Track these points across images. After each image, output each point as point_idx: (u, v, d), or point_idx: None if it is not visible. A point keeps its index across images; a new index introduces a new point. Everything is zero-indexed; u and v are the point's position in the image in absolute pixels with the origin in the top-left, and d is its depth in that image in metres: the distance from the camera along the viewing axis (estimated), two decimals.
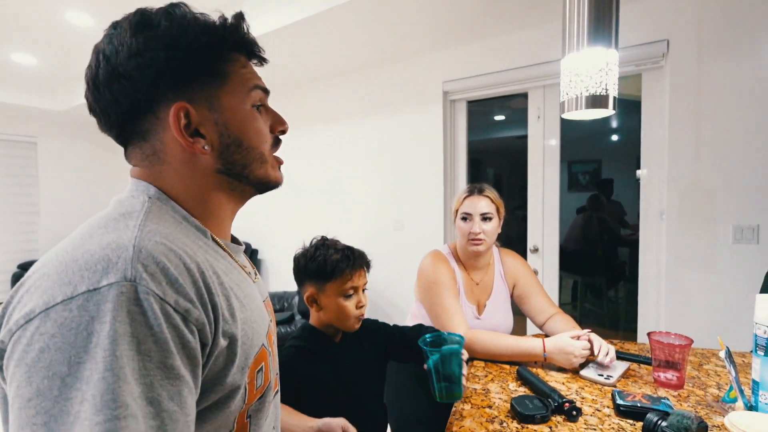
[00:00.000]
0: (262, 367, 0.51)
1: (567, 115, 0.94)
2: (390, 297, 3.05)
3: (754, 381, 0.89)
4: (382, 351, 1.11)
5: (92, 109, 0.51)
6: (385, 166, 3.02)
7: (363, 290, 1.02)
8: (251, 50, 0.56)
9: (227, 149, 0.52)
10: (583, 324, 1.22)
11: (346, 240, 1.08)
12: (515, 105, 2.98)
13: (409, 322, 1.44)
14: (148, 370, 0.37)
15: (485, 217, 1.31)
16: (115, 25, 0.50)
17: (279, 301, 2.90)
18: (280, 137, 0.60)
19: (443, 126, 2.76)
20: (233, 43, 0.53)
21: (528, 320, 1.46)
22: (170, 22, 0.48)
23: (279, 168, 0.60)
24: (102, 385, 0.34)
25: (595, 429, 0.85)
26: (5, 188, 4.21)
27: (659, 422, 0.78)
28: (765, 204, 1.88)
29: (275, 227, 3.71)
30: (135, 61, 0.47)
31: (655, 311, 2.19)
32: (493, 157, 4.16)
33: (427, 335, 0.95)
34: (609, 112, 0.90)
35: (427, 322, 1.33)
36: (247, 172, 0.54)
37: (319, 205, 3.41)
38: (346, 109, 3.20)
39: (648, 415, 0.80)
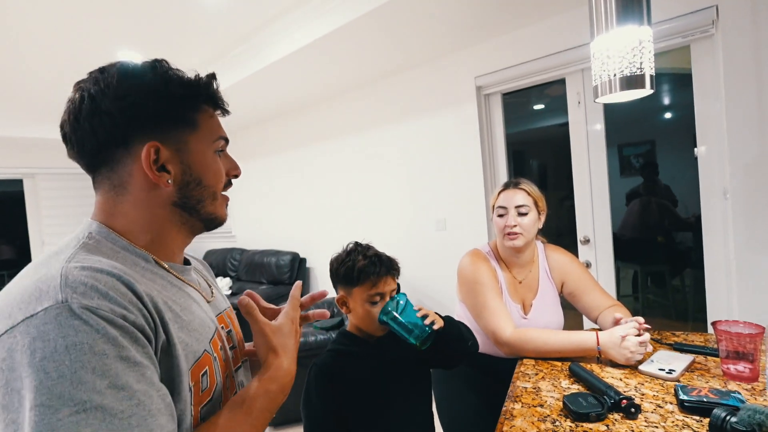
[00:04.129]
0: (206, 371, 0.57)
1: (602, 99, 0.90)
2: (438, 298, 3.04)
3: None
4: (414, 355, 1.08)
5: (67, 138, 0.58)
6: (424, 168, 3.02)
7: (391, 297, 1.02)
8: (219, 104, 0.65)
9: (187, 186, 0.60)
10: (647, 316, 1.15)
11: (389, 244, 1.09)
12: (553, 92, 2.88)
13: None
14: (108, 365, 0.43)
15: (521, 212, 1.27)
16: (102, 70, 0.58)
17: (329, 307, 2.96)
18: (233, 180, 0.68)
19: (479, 121, 2.71)
20: (205, 97, 0.62)
21: (584, 316, 1.39)
22: (154, 74, 0.58)
23: (226, 205, 0.68)
24: (57, 389, 0.40)
25: (657, 426, 0.81)
26: None
27: (728, 418, 0.73)
28: None
29: (321, 236, 3.81)
30: (118, 104, 0.55)
31: (727, 299, 2.02)
32: (536, 147, 4.02)
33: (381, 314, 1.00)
34: (647, 91, 0.85)
35: (470, 323, 1.32)
36: (199, 207, 0.62)
37: (362, 212, 3.46)
38: (381, 114, 3.24)
39: (715, 410, 0.75)
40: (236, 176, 0.68)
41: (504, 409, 0.94)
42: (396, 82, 3.10)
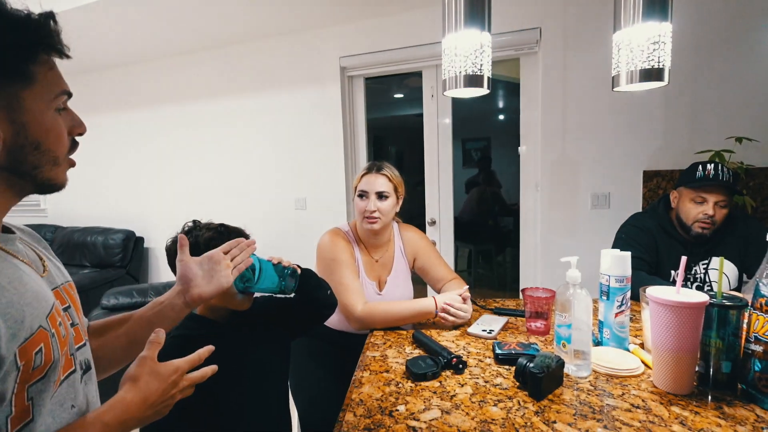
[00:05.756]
0: (41, 348, 0.53)
1: (448, 93, 1.01)
2: None
3: (600, 321, 1.07)
4: (279, 325, 1.08)
5: None
6: (283, 144, 2.92)
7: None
8: (59, 50, 0.56)
9: (21, 149, 0.53)
10: (475, 287, 1.33)
11: (245, 222, 1.03)
12: (412, 83, 3.07)
13: None
14: None
15: (381, 195, 1.32)
16: None
17: None
18: (77, 139, 0.61)
19: (341, 102, 2.74)
20: (45, 45, 0.53)
21: (428, 288, 1.55)
22: None
23: (67, 170, 0.62)
24: None
25: (478, 377, 0.95)
26: None
27: (527, 364, 0.90)
28: (614, 175, 2.23)
29: (165, 214, 3.40)
30: None
31: (533, 271, 2.49)
32: (395, 134, 4.26)
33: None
34: (484, 91, 0.99)
35: None
36: (36, 173, 0.56)
37: (215, 188, 3.19)
38: (237, 82, 3.00)
39: (519, 360, 0.92)
40: (80, 134, 0.61)
41: (354, 378, 0.99)
42: (258, 49, 2.90)
